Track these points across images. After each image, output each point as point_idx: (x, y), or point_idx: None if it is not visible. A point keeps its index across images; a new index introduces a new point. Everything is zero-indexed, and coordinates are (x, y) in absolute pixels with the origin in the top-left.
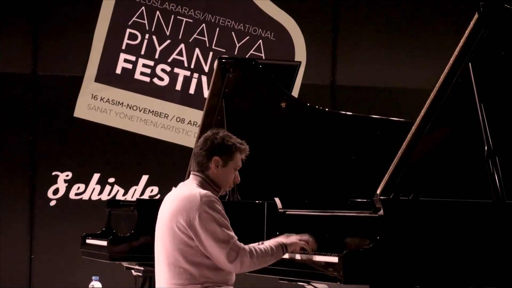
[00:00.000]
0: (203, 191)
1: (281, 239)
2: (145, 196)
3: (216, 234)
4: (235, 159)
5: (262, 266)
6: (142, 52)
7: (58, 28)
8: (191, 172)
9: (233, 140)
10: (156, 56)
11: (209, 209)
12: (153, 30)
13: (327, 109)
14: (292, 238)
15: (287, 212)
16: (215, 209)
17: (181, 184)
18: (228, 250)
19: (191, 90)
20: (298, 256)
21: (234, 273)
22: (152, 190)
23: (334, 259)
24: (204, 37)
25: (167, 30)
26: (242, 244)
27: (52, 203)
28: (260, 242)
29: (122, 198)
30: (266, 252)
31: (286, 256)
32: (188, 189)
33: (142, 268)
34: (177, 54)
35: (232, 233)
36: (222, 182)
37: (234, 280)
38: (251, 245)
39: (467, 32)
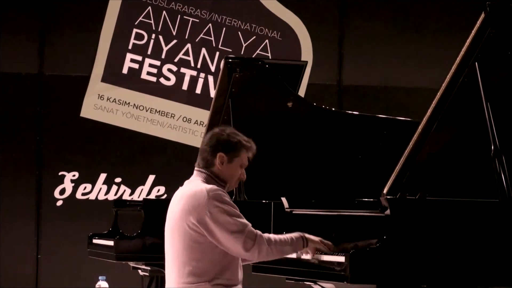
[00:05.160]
0: (209, 186)
1: (304, 233)
2: (152, 196)
3: (229, 225)
4: (241, 157)
5: (281, 256)
6: (149, 52)
7: (65, 28)
8: (196, 169)
9: (239, 137)
10: (163, 56)
11: (217, 202)
12: (159, 30)
13: (333, 109)
14: (316, 238)
15: (294, 212)
16: (224, 201)
17: (186, 182)
18: (244, 238)
19: (198, 90)
20: (305, 256)
21: (241, 270)
22: (158, 190)
23: (341, 259)
24: (211, 37)
25: (174, 30)
26: (258, 231)
27: (59, 203)
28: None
29: (129, 198)
30: (285, 241)
31: (293, 255)
32: (194, 186)
33: (148, 268)
34: (183, 54)
35: (245, 221)
36: (227, 179)
37: (242, 278)
38: (270, 234)
39: (473, 31)
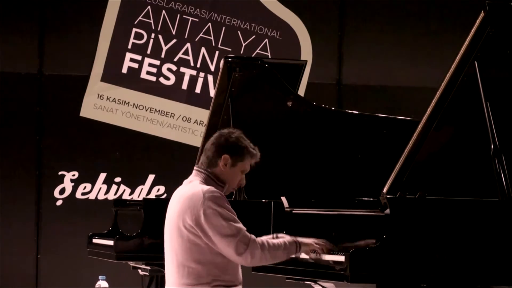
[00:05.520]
0: (206, 187)
1: (297, 237)
2: (152, 196)
3: (223, 228)
4: (244, 162)
5: (274, 261)
6: (148, 52)
7: (64, 27)
8: (195, 168)
9: (246, 143)
10: (162, 56)
11: (213, 204)
12: (159, 29)
13: (333, 108)
14: (308, 240)
15: (293, 211)
16: (219, 203)
17: (185, 182)
18: (237, 242)
19: (197, 89)
20: (305, 255)
21: (240, 271)
22: (158, 190)
23: (341, 258)
24: (210, 36)
25: (173, 29)
26: (253, 236)
27: (59, 202)
28: (274, 235)
29: (129, 198)
30: (278, 246)
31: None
32: (192, 186)
33: (148, 268)
34: (183, 53)
35: (240, 225)
36: (227, 180)
37: (242, 280)
38: (264, 238)
39: (473, 30)
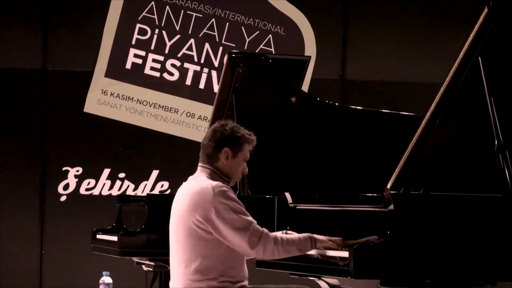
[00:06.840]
0: (214, 182)
1: (312, 234)
2: (156, 191)
3: (235, 222)
4: (244, 151)
5: (286, 256)
6: (152, 47)
7: (68, 23)
8: (199, 164)
9: (242, 131)
10: (166, 51)
11: (223, 199)
12: (162, 25)
13: (337, 104)
14: (323, 237)
15: (297, 207)
16: (229, 197)
17: (190, 178)
18: (249, 236)
19: (201, 85)
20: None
21: (246, 267)
22: (162, 185)
23: (345, 254)
24: (214, 32)
25: (177, 25)
26: (264, 229)
27: (63, 198)
28: (284, 232)
29: (133, 193)
30: (292, 241)
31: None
32: (199, 182)
33: (152, 263)
34: (187, 49)
35: (250, 218)
36: (231, 173)
37: (248, 275)
38: (278, 233)
39: (476, 26)
